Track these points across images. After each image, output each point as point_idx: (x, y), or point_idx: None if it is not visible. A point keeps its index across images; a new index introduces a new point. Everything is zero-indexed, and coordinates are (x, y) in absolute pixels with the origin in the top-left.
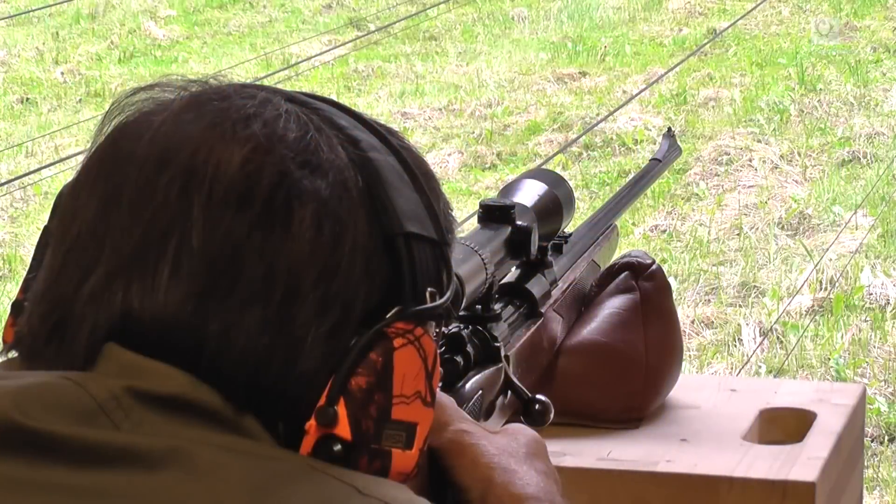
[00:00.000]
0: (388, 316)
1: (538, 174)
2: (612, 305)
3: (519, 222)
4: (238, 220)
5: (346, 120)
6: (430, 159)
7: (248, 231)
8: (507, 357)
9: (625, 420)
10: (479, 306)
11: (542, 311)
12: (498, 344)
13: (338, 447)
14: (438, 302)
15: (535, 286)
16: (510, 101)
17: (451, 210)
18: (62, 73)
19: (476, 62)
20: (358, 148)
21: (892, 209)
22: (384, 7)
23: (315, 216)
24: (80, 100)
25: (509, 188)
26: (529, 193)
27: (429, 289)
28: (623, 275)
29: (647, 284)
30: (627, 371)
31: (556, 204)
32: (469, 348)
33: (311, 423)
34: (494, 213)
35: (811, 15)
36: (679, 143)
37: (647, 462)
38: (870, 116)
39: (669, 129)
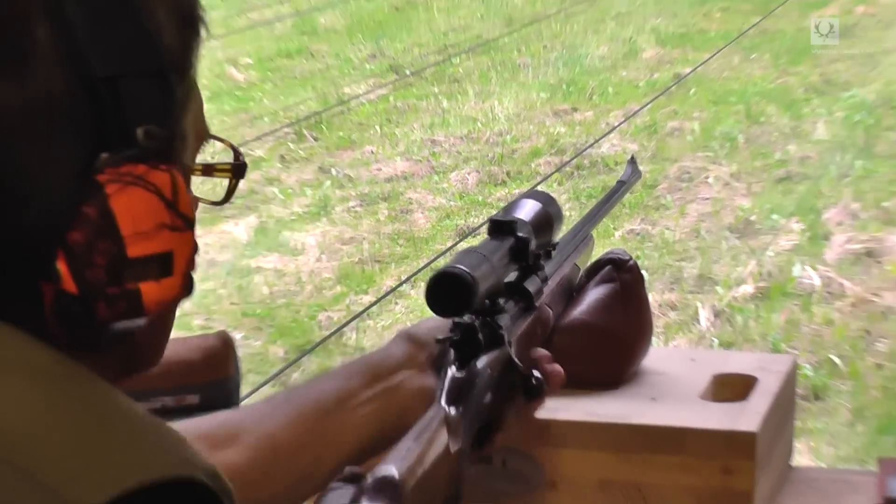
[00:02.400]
0: (95, 166)
1: (534, 195)
2: (598, 292)
3: (519, 234)
4: None
5: None
6: (454, 177)
7: None
8: (509, 342)
9: (606, 383)
10: (488, 301)
11: (537, 304)
12: (503, 332)
13: (70, 302)
14: (150, 148)
15: (531, 285)
16: (517, 131)
17: (192, 26)
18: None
19: (490, 100)
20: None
21: (818, 217)
22: (417, 56)
23: None
24: None
25: (511, 206)
26: (527, 210)
27: (141, 127)
28: (606, 268)
29: (625, 276)
30: (609, 344)
31: (548, 219)
32: (480, 336)
33: (43, 285)
34: (500, 227)
35: (756, 63)
36: (640, 167)
37: (625, 416)
38: (801, 144)
39: (632, 156)
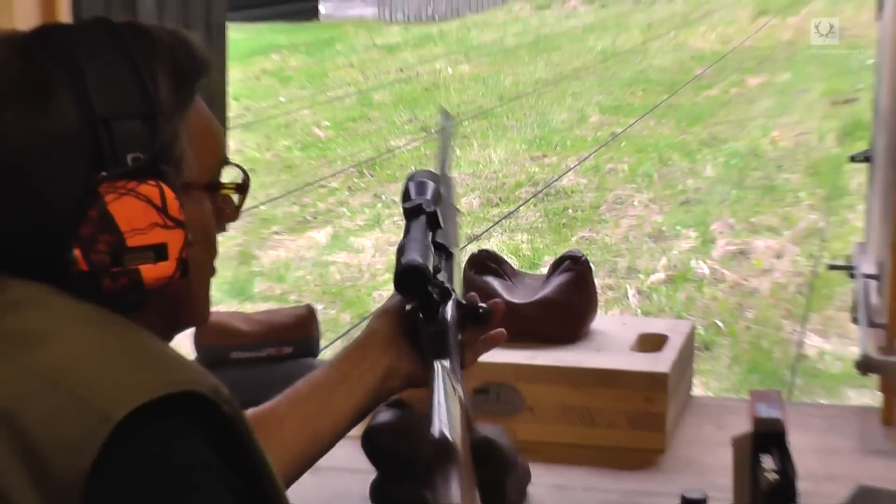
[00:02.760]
0: (96, 181)
1: (423, 174)
2: (560, 279)
3: (427, 210)
4: None
5: (92, 39)
6: (464, 201)
7: None
8: (453, 290)
9: (566, 340)
10: (432, 266)
11: (452, 251)
12: (447, 285)
13: (83, 276)
14: (138, 163)
15: (442, 238)
16: (505, 170)
17: (176, 68)
18: (270, 156)
19: (487, 150)
20: (74, 63)
21: (706, 228)
22: (439, 120)
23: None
24: (279, 172)
25: (413, 188)
26: (425, 188)
27: (130, 154)
28: (566, 262)
29: (579, 267)
30: (568, 314)
31: (437, 189)
32: (434, 295)
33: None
34: (414, 211)
35: (665, 125)
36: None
37: (579, 362)
38: (695, 179)
39: (442, 108)
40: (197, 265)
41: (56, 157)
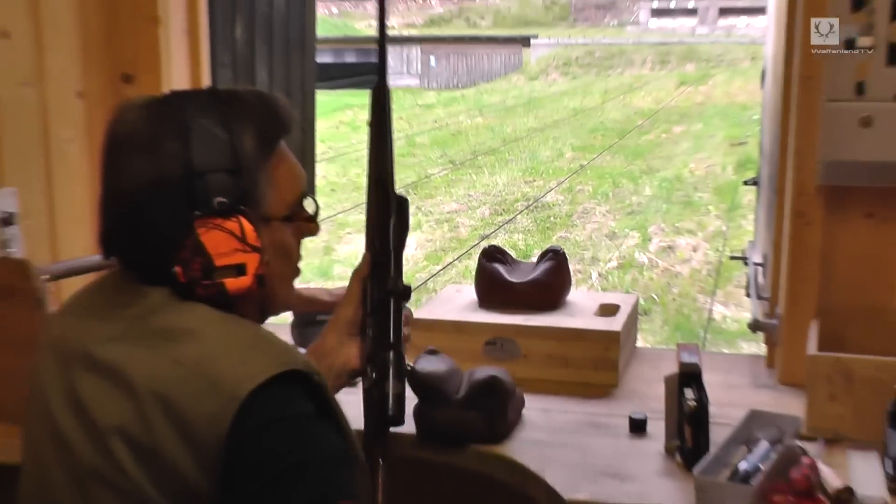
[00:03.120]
0: (191, 218)
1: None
2: (545, 265)
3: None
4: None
5: (199, 104)
6: (478, 212)
7: None
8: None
9: (550, 308)
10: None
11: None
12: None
13: (182, 287)
14: (222, 205)
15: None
16: (507, 190)
17: (259, 129)
18: (345, 180)
19: (494, 176)
20: (184, 122)
21: (646, 231)
22: (463, 155)
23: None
24: (351, 191)
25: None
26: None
27: (217, 199)
28: (549, 254)
29: (559, 257)
30: (551, 291)
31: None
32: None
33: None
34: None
35: (617, 159)
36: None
37: (558, 323)
38: (638, 197)
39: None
40: (277, 274)
41: (163, 197)
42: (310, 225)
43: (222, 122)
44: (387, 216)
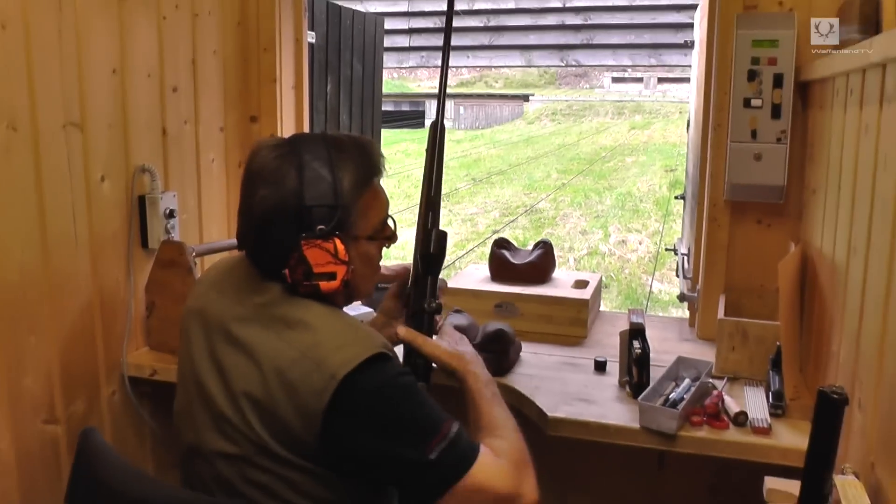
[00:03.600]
0: (299, 239)
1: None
2: (537, 252)
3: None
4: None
5: (314, 149)
6: (491, 214)
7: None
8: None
9: (541, 282)
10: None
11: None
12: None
13: (289, 285)
14: (321, 232)
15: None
16: (512, 200)
17: (356, 173)
18: (400, 191)
19: (504, 189)
20: (301, 164)
21: (607, 229)
22: (482, 174)
23: (268, 198)
24: (403, 200)
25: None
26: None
27: (319, 227)
28: (540, 244)
29: (546, 247)
30: (541, 270)
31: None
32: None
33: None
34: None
35: (587, 179)
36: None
37: (545, 292)
38: (601, 206)
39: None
40: (360, 276)
41: (281, 222)
42: (391, 239)
43: (329, 165)
44: (427, 248)
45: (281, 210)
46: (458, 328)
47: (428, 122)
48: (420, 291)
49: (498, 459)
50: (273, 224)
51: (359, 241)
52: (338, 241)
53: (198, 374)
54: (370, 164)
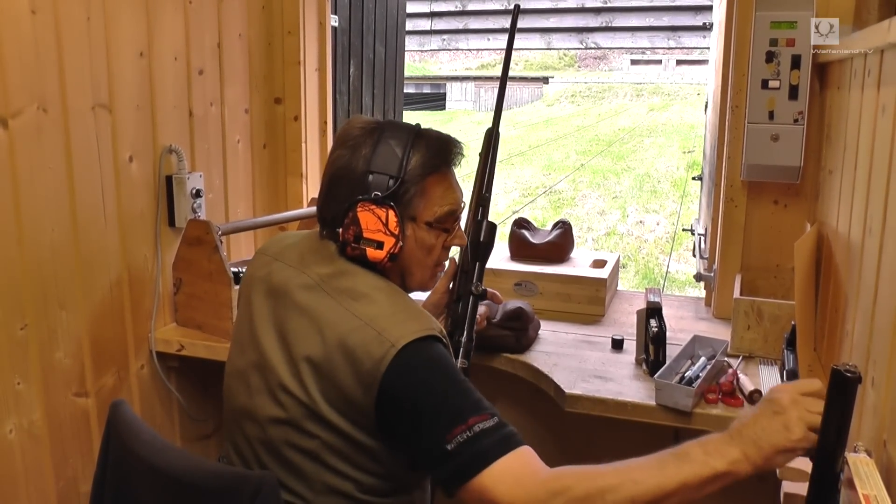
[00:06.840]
0: (356, 200)
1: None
2: (557, 231)
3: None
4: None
5: (398, 132)
6: (511, 195)
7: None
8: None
9: (560, 261)
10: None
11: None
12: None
13: (341, 244)
14: (376, 197)
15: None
16: (532, 180)
17: (426, 157)
18: None
19: (524, 170)
20: (380, 139)
21: (625, 210)
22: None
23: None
24: None
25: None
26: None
27: (375, 192)
28: (559, 224)
29: (566, 226)
30: (560, 249)
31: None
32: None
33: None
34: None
35: (606, 160)
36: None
37: (564, 271)
38: (619, 187)
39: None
40: (415, 260)
41: (346, 181)
42: (456, 237)
43: (404, 146)
44: (477, 237)
45: (348, 170)
46: (512, 310)
47: (449, 105)
48: (468, 277)
49: (528, 473)
50: (340, 182)
51: (417, 224)
52: (391, 212)
53: (258, 340)
54: (443, 152)
